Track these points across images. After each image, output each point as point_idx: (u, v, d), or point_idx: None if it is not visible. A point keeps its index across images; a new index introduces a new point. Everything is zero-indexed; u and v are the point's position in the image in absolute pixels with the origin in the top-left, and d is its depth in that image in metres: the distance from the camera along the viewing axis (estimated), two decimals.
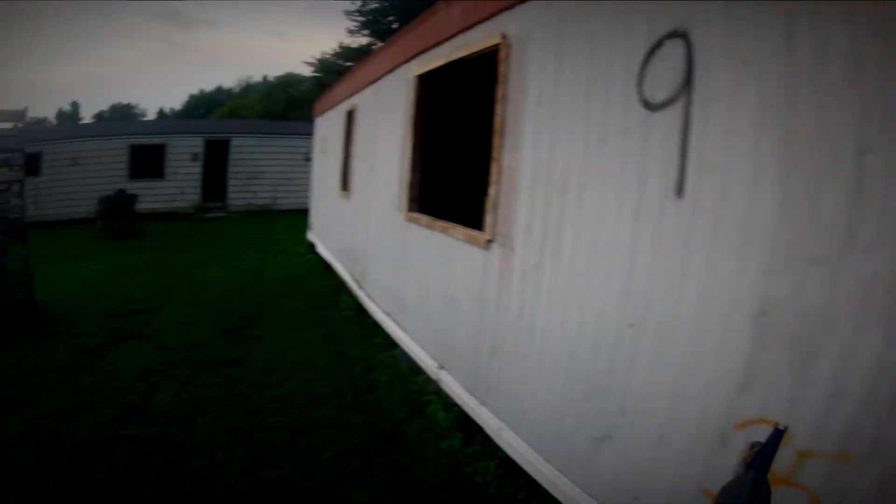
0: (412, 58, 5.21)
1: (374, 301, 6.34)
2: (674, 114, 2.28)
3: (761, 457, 1.18)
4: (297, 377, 4.96)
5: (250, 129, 20.53)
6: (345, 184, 8.18)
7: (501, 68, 3.54)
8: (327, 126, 10.28)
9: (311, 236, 11.62)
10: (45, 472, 3.35)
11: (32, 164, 15.92)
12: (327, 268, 9.47)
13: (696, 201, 2.17)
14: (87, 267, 9.99)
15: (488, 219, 3.61)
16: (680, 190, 2.24)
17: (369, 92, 6.92)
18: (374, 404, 4.46)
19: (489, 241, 3.62)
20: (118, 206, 14.10)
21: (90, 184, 16.48)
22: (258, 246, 12.38)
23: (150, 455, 3.60)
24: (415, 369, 4.93)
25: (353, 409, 4.35)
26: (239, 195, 19.12)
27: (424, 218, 4.76)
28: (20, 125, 6.65)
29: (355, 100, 7.72)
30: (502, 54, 3.53)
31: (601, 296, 2.67)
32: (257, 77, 59.60)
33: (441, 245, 4.44)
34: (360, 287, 6.99)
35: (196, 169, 18.52)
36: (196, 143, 18.52)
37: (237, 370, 5.08)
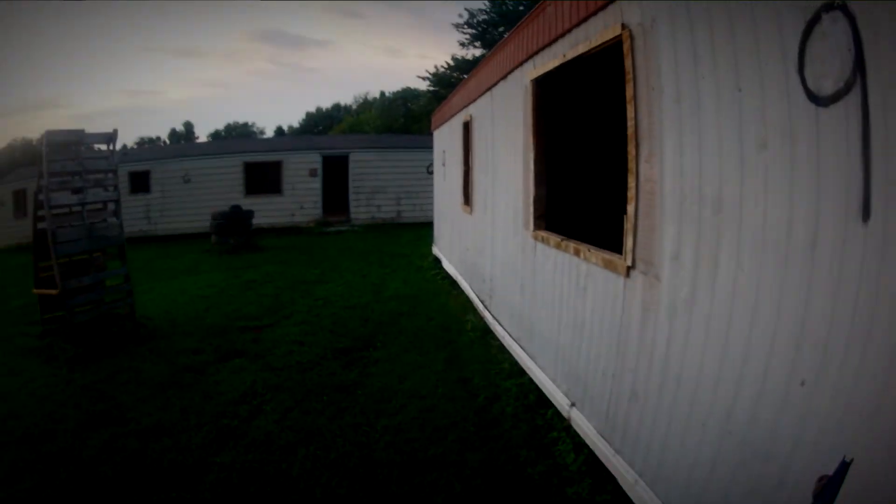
0: (525, 61, 4.79)
1: (500, 324, 6.01)
2: (846, 108, 1.72)
3: (829, 489, 1.05)
4: (413, 406, 4.61)
5: (368, 144, 21.09)
6: (466, 198, 7.96)
7: (627, 63, 3.00)
8: (445, 138, 10.18)
9: (436, 251, 11.58)
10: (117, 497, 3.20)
11: (142, 182, 18.16)
12: (453, 284, 9.26)
13: (886, 224, 1.58)
14: (199, 281, 10.10)
15: (627, 242, 3.08)
16: (866, 211, 1.64)
17: (484, 101, 6.62)
18: (497, 439, 4.05)
19: (630, 269, 3.09)
20: (233, 221, 14.40)
21: (204, 200, 17.40)
22: (381, 260, 12.08)
23: (240, 487, 3.36)
24: (543, 401, 4.51)
25: (474, 446, 3.94)
26: (363, 209, 19.51)
27: (553, 237, 4.31)
28: (112, 147, 6.89)
29: (471, 110, 7.47)
30: (626, 47, 3.00)
31: (765, 343, 2.09)
32: (374, 93, 61.35)
33: (572, 269, 3.97)
34: (486, 308, 6.69)
35: (315, 184, 19.23)
36: (314, 159, 19.26)
37: (349, 397, 4.81)
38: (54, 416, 4.53)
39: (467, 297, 8.02)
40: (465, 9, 29.40)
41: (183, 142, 58.47)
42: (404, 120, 40.15)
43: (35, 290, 6.65)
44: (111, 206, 7.02)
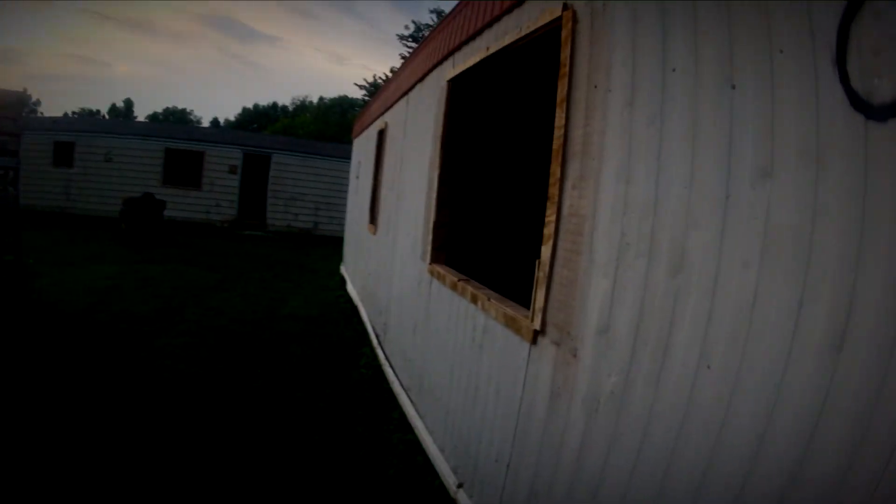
0: (445, 58, 3.90)
1: (392, 366, 4.98)
2: None
3: None
4: (282, 464, 3.59)
5: (293, 147, 19.55)
6: (373, 216, 6.94)
7: (564, 54, 2.15)
8: (362, 148, 9.17)
9: (344, 270, 10.47)
10: None
11: (66, 155, 16.52)
12: (354, 310, 8.21)
13: None
14: (98, 272, 9.13)
15: (538, 297, 2.18)
16: None
17: (399, 107, 5.67)
18: None
19: (537, 334, 2.20)
20: (143, 211, 13.15)
21: (123, 183, 15.98)
22: (287, 273, 11.25)
23: None
24: (432, 468, 3.55)
25: None
26: (279, 215, 18.18)
27: (450, 276, 3.39)
28: (21, 110, 6.23)
29: (387, 117, 6.51)
30: (565, 32, 2.16)
31: (735, 479, 1.25)
32: (313, 98, 60.09)
33: (468, 319, 3.06)
34: (381, 344, 5.65)
35: (234, 182, 17.73)
36: (235, 156, 17.73)
37: (204, 457, 3.58)
38: None
39: (365, 327, 6.98)
40: (413, 21, 28.82)
41: (121, 119, 54.66)
42: (338, 129, 38.85)
43: None
44: (10, 175, 6.37)
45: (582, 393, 1.88)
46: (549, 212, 2.14)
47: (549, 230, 2.13)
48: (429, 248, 3.83)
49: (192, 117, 72.60)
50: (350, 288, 9.04)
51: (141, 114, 71.60)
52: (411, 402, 4.17)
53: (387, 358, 5.22)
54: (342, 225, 16.30)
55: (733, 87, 1.40)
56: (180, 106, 75.09)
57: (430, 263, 3.78)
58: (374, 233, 6.64)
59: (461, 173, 3.78)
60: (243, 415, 4.26)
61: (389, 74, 31.40)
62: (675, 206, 1.57)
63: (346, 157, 17.58)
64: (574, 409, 1.92)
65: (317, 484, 3.38)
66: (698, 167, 1.51)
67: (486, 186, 5.14)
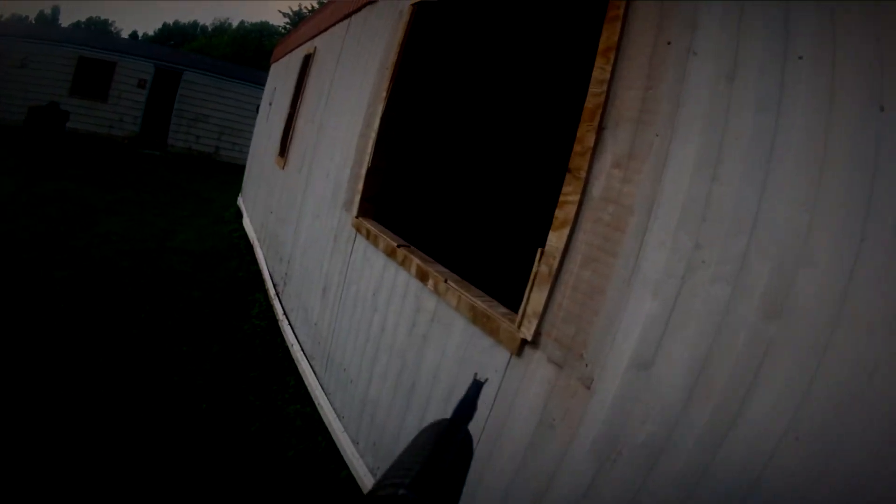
0: None
1: (291, 325, 4.25)
2: None
3: (460, 408, 0.91)
4: (165, 440, 2.91)
5: (206, 67, 18.00)
6: (283, 148, 5.94)
7: None
8: (281, 73, 7.95)
9: (241, 202, 9.29)
10: None
11: None
12: (250, 249, 7.27)
13: None
14: None
15: (533, 297, 1.64)
16: None
17: (338, 30, 4.70)
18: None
19: (525, 344, 1.65)
20: (45, 120, 12.06)
21: (35, 90, 14.31)
22: (181, 199, 10.10)
23: None
24: (338, 456, 3.01)
25: None
26: (181, 136, 16.81)
27: (384, 237, 2.73)
28: None
29: (317, 42, 5.49)
30: None
31: None
32: (234, 21, 55.64)
33: (410, 297, 2.45)
34: (279, 295, 4.86)
35: (141, 98, 16.13)
36: (146, 69, 16.06)
37: (65, 429, 2.80)
38: None
39: (260, 270, 6.11)
40: None
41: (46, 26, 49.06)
42: (254, 54, 35.74)
43: None
44: None
45: (593, 434, 1.41)
46: (567, 189, 1.58)
47: (564, 214, 1.57)
48: (357, 197, 3.12)
49: (112, 28, 67.60)
50: (247, 223, 7.99)
51: (66, 21, 69.86)
52: (314, 372, 3.53)
53: (285, 314, 4.48)
54: (243, 152, 15.06)
55: (882, 108, 0.95)
56: (104, 16, 67.77)
57: (357, 216, 3.09)
58: (283, 167, 5.69)
59: (411, 116, 3.08)
60: (118, 372, 3.47)
61: (316, 5, 29.12)
62: (784, 231, 1.13)
63: (259, 83, 16.04)
64: (577, 451, 1.45)
65: (201, 468, 2.75)
66: (825, 190, 1.08)
67: (441, 142, 4.42)
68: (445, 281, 2.17)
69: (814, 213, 1.09)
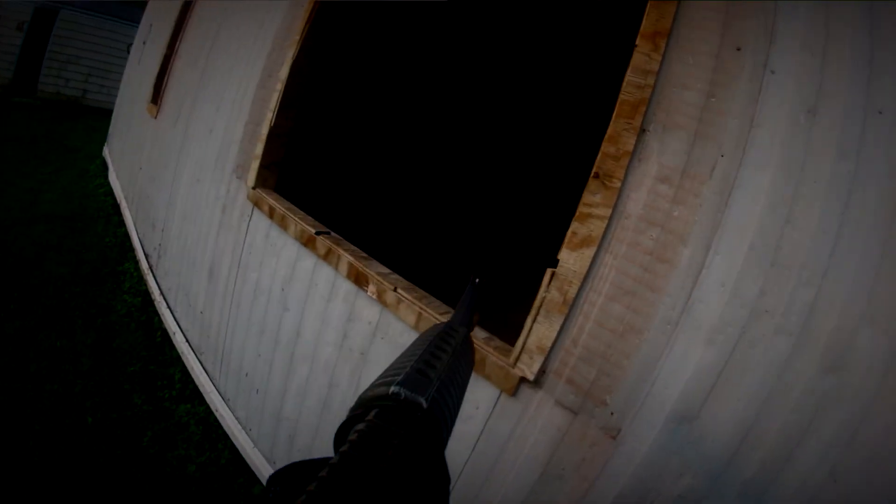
0: None
1: (171, 309, 3.48)
2: None
3: (460, 310, 0.82)
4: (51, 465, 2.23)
5: (83, 4, 15.16)
6: (157, 94, 4.90)
7: None
8: (161, 7, 6.59)
9: (107, 153, 7.81)
10: None
11: None
12: (116, 207, 6.13)
13: None
14: None
15: (540, 329, 1.37)
16: None
17: None
18: None
19: (523, 382, 1.39)
20: None
21: None
22: (46, 153, 8.34)
23: None
24: (245, 468, 2.55)
25: None
26: (52, 80, 13.94)
27: (295, 220, 2.17)
28: None
29: None
30: None
31: None
32: None
33: (339, 301, 1.97)
34: (152, 269, 4.03)
35: (18, 41, 13.34)
36: (25, 9, 13.28)
37: None
38: None
39: (129, 234, 5.12)
40: None
41: None
42: None
43: None
44: None
45: (617, 488, 1.24)
46: (592, 198, 1.30)
47: (588, 230, 1.30)
48: (254, 163, 2.45)
49: None
50: (113, 178, 6.66)
51: None
52: (205, 370, 2.89)
53: (163, 294, 3.68)
54: (111, 97, 13.07)
55: None
56: None
57: (255, 187, 2.47)
58: (156, 115, 4.72)
59: (333, 70, 2.55)
60: None
61: None
62: (851, 286, 1.05)
63: (135, 20, 13.71)
64: None
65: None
66: (891, 250, 1.02)
67: (371, 114, 3.83)
68: (395, 289, 1.76)
69: (879, 272, 1.03)
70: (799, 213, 1.07)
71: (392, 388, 0.44)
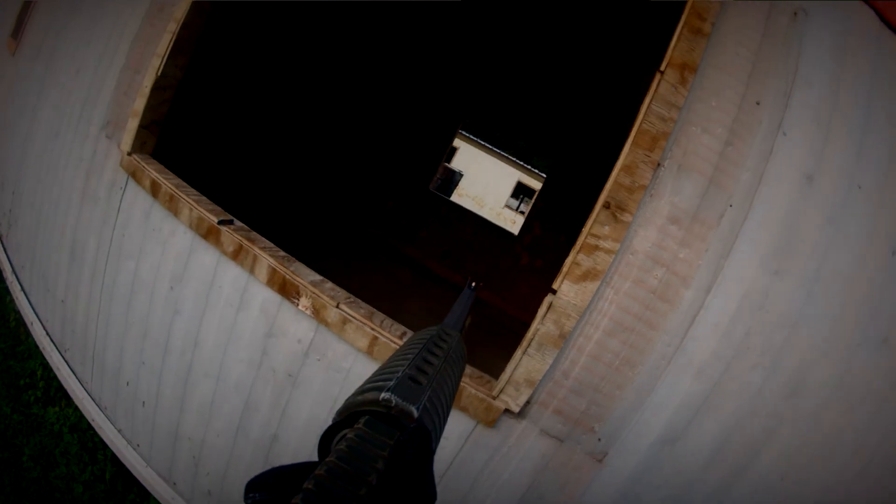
0: None
1: (26, 293, 2.57)
2: None
3: (454, 313, 0.77)
4: None
5: None
6: (19, 25, 3.32)
7: None
8: None
9: None
10: None
11: None
12: None
13: None
14: None
15: (528, 361, 1.31)
16: None
17: None
18: None
19: (505, 413, 1.31)
20: None
21: None
22: None
23: None
24: (133, 482, 2.10)
25: None
26: None
27: (187, 200, 1.72)
28: None
29: None
30: None
31: None
32: None
33: (252, 308, 1.60)
34: (2, 241, 2.91)
35: None
36: None
37: None
38: None
39: None
40: None
41: None
42: None
43: None
44: None
45: None
46: (601, 230, 1.23)
47: (593, 262, 1.23)
48: (133, 122, 1.85)
49: None
50: None
51: None
52: (72, 371, 2.25)
53: (14, 273, 2.68)
54: None
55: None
56: None
57: (130, 153, 1.88)
58: (14, 52, 3.23)
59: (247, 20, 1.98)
60: None
61: None
62: (813, 331, 1.20)
63: None
64: None
65: None
66: (849, 307, 1.19)
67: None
68: (337, 305, 1.46)
69: (837, 320, 1.18)
70: (786, 267, 1.15)
71: (383, 395, 0.42)
